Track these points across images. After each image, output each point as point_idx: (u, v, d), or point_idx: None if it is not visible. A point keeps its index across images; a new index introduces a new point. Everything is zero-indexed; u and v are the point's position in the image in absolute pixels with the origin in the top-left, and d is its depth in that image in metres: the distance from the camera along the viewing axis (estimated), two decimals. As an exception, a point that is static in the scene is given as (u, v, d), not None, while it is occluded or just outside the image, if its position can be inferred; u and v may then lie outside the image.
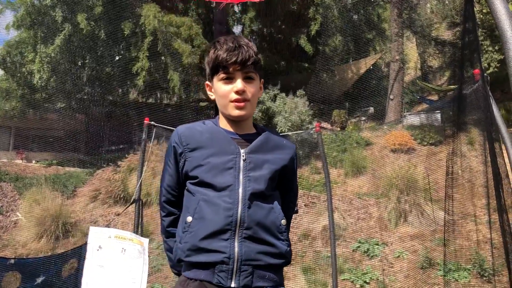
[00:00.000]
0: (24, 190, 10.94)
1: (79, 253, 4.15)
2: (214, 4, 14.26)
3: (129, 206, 4.54)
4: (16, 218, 10.13)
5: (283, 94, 13.50)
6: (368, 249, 8.35)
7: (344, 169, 12.24)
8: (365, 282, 7.52)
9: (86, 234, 9.66)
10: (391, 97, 15.57)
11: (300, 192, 11.02)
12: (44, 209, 9.66)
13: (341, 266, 8.11)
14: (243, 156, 1.61)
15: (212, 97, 1.74)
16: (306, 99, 13.43)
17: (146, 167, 11.76)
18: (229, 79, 1.64)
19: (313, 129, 5.54)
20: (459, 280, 7.41)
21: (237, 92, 1.63)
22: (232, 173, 1.58)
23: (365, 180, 11.14)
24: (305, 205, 10.31)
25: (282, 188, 1.71)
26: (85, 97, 14.29)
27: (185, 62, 12.18)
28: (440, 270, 7.73)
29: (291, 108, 13.05)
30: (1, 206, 10.67)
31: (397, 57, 15.48)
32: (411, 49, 18.28)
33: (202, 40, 13.27)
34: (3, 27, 13.31)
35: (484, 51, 13.51)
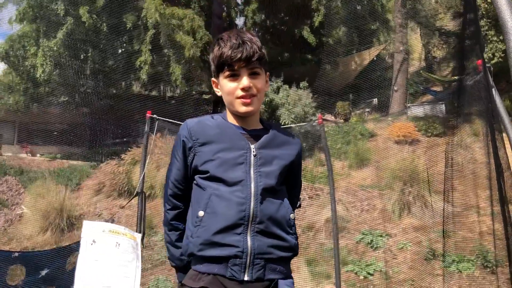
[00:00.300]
0: (28, 184, 11.00)
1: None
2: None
3: (132, 199, 4.54)
4: (21, 211, 10.20)
5: (286, 86, 13.47)
6: (371, 241, 8.35)
7: (348, 161, 12.23)
8: (368, 273, 7.53)
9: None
10: (395, 88, 15.50)
11: (304, 184, 11.02)
12: (48, 202, 9.71)
13: (344, 257, 8.12)
14: (253, 151, 1.63)
15: (219, 93, 1.74)
16: (310, 91, 13.39)
17: (150, 160, 11.81)
18: (235, 76, 1.65)
19: (316, 121, 5.52)
20: (462, 271, 7.40)
21: (243, 89, 1.64)
22: (243, 168, 1.60)
23: (369, 172, 11.12)
24: (309, 197, 10.31)
25: (288, 183, 1.73)
26: (89, 90, 14.30)
27: (187, 54, 12.15)
28: (444, 261, 7.73)
29: (295, 100, 13.02)
30: (6, 199, 10.74)
31: (401, 48, 15.38)
32: (415, 40, 18.16)
33: (205, 32, 13.23)
34: (6, 21, 13.32)
35: (488, 41, 13.41)
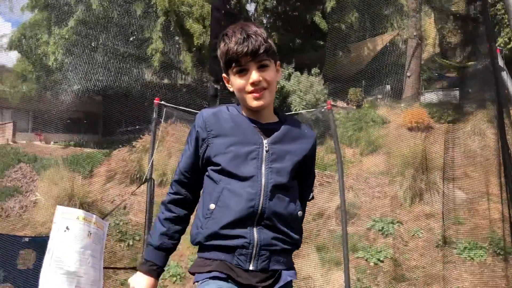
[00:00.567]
0: (42, 171, 11.14)
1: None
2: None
3: (140, 185, 4.57)
4: (35, 198, 10.35)
5: (298, 73, 13.39)
6: (382, 228, 8.32)
7: (359, 148, 12.16)
8: (379, 260, 7.52)
9: (103, 214, 9.85)
10: (408, 74, 15.29)
11: (316, 171, 10.99)
12: (61, 189, 9.84)
13: (355, 244, 8.12)
14: (266, 147, 1.63)
15: (231, 89, 1.72)
16: (321, 77, 13.29)
17: (161, 147, 11.89)
18: (244, 71, 1.63)
19: (325, 107, 5.47)
20: (474, 258, 7.35)
21: (252, 84, 1.62)
22: (255, 164, 1.61)
23: (381, 159, 11.04)
24: (319, 185, 10.28)
25: (300, 176, 1.73)
26: (101, 78, 14.36)
27: (196, 42, 12.10)
28: (455, 248, 7.68)
29: (306, 87, 12.94)
30: (21, 186, 10.90)
31: (414, 33, 15.14)
32: (429, 25, 17.85)
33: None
34: (18, 9, 13.39)
35: (505, 25, 13.12)
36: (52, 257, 2.14)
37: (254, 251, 1.56)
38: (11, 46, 13.51)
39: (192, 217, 1.76)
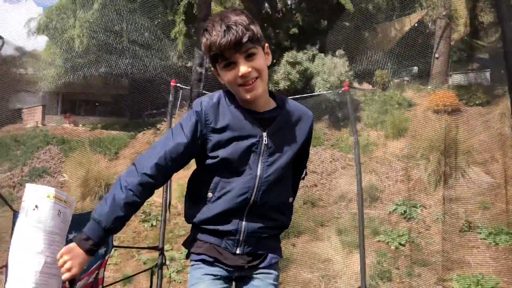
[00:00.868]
0: (70, 153, 11.42)
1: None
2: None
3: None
4: (62, 179, 10.64)
5: (322, 55, 13.19)
6: (405, 211, 8.22)
7: (384, 130, 11.97)
8: (400, 243, 7.45)
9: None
10: (437, 55, 14.88)
11: (338, 154, 10.91)
12: (88, 170, 10.08)
13: (377, 227, 8.05)
14: (265, 140, 1.61)
15: (222, 82, 1.67)
16: (346, 59, 13.06)
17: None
18: (231, 64, 1.56)
19: (342, 89, 5.38)
20: (499, 243, 7.19)
21: (242, 76, 1.55)
22: (252, 158, 1.61)
23: (406, 142, 10.85)
24: (342, 168, 10.22)
25: (297, 159, 1.73)
26: (126, 61, 14.51)
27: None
28: (480, 233, 7.52)
29: (330, 69, 12.75)
30: (49, 167, 11.22)
31: (444, 13, 14.67)
32: (460, 5, 17.25)
33: (238, 3, 13.05)
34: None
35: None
36: (18, 237, 2.08)
37: (241, 237, 1.63)
38: (40, 30, 13.79)
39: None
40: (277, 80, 12.89)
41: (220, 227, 1.62)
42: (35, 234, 2.10)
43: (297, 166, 1.77)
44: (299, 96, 7.32)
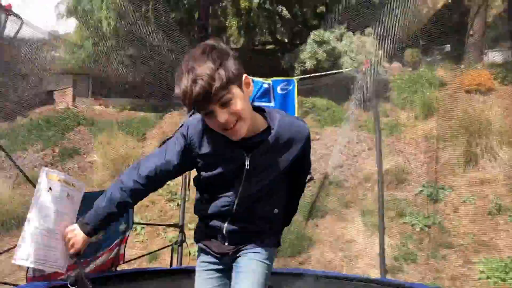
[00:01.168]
0: (99, 134, 11.67)
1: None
2: None
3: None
4: (92, 159, 10.90)
5: (350, 33, 12.92)
6: (431, 193, 8.05)
7: (414, 111, 11.71)
8: (426, 225, 7.32)
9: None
10: (471, 33, 14.34)
11: (365, 135, 10.73)
12: (116, 151, 10.30)
13: (402, 209, 7.94)
14: (247, 165, 1.65)
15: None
16: (375, 37, 12.75)
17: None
18: (209, 113, 1.52)
19: (362, 67, 5.25)
20: (530, 227, 6.99)
21: (222, 124, 1.53)
22: (235, 179, 1.69)
23: (435, 123, 10.58)
24: (368, 149, 10.06)
25: (295, 170, 1.79)
26: (154, 43, 14.60)
27: (242, 5, 11.93)
28: (510, 216, 7.31)
29: (358, 48, 12.49)
30: (79, 148, 11.51)
31: (480, -12, 14.08)
32: (497, -22, 16.52)
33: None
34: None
35: None
36: (33, 215, 2.30)
37: (226, 235, 1.79)
38: (68, 13, 14.00)
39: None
40: (303, 59, 12.73)
41: (211, 223, 1.80)
42: (47, 213, 2.29)
43: (296, 175, 1.84)
44: (317, 74, 7.22)
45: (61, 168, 10.95)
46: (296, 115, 4.59)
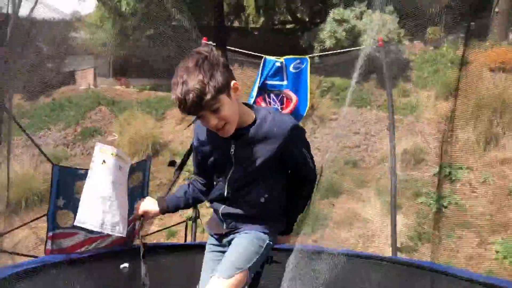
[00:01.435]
0: (119, 113, 11.85)
1: (144, 167, 4.48)
2: None
3: (192, 123, 4.70)
4: (112, 138, 11.11)
5: (370, 11, 12.68)
6: (449, 173, 7.97)
7: (434, 90, 11.52)
8: (442, 205, 7.27)
9: (174, 154, 10.32)
10: (497, 9, 13.93)
11: (383, 114, 10.62)
12: (136, 130, 10.46)
13: (419, 189, 7.90)
14: (232, 151, 1.86)
15: None
16: (396, 15, 12.49)
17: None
18: (201, 117, 1.72)
19: (376, 44, 5.19)
20: (551, 208, 6.89)
21: (212, 127, 1.75)
22: (225, 166, 1.91)
23: (456, 102, 10.39)
24: (386, 129, 9.96)
25: (285, 162, 1.92)
26: (174, 23, 14.62)
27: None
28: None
29: (379, 26, 12.26)
30: (100, 127, 11.73)
31: (506, -38, 13.60)
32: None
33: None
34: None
35: None
36: (90, 184, 2.54)
37: (222, 218, 1.98)
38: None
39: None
40: (323, 38, 12.59)
41: (213, 206, 2.03)
42: (103, 182, 2.51)
43: (292, 167, 1.98)
44: (329, 52, 7.15)
45: (82, 147, 11.20)
46: (308, 94, 4.57)
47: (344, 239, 6.97)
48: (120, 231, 2.27)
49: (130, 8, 12.65)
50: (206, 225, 2.16)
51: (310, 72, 4.67)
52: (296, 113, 4.43)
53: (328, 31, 12.51)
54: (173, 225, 6.51)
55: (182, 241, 5.33)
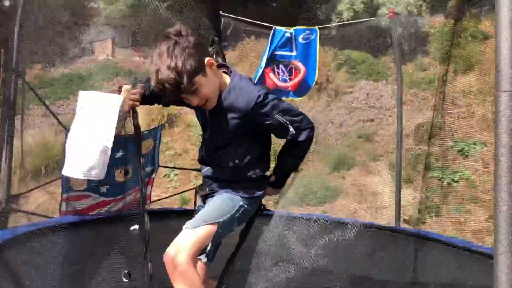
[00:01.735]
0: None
1: (155, 134, 4.61)
2: None
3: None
4: (129, 108, 11.25)
5: (390, -17, 12.43)
6: (463, 148, 7.94)
7: (453, 65, 11.32)
8: (453, 180, 7.29)
9: (187, 125, 10.47)
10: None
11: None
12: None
13: (431, 164, 7.89)
14: (207, 116, 1.98)
15: None
16: (417, -13, 12.23)
17: (244, 63, 11.94)
18: (183, 98, 1.85)
19: (386, 16, 5.14)
20: None
21: (196, 105, 1.87)
22: (205, 129, 2.07)
23: (475, 77, 10.21)
24: (402, 103, 9.90)
25: (259, 131, 2.01)
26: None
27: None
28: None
29: (398, -1, 12.05)
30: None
31: None
32: None
33: None
34: None
35: None
36: (72, 132, 2.48)
37: (205, 179, 2.15)
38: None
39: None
40: (340, 10, 12.43)
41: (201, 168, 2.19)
42: (81, 128, 2.46)
43: (276, 135, 2.05)
44: (341, 23, 7.09)
45: (101, 117, 11.40)
46: (317, 65, 4.59)
47: (353, 211, 7.07)
48: (97, 174, 2.22)
49: (147, -22, 12.61)
50: (197, 187, 2.33)
51: (326, 45, 4.67)
52: (304, 84, 4.47)
53: (346, 3, 12.34)
54: (181, 192, 6.71)
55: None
